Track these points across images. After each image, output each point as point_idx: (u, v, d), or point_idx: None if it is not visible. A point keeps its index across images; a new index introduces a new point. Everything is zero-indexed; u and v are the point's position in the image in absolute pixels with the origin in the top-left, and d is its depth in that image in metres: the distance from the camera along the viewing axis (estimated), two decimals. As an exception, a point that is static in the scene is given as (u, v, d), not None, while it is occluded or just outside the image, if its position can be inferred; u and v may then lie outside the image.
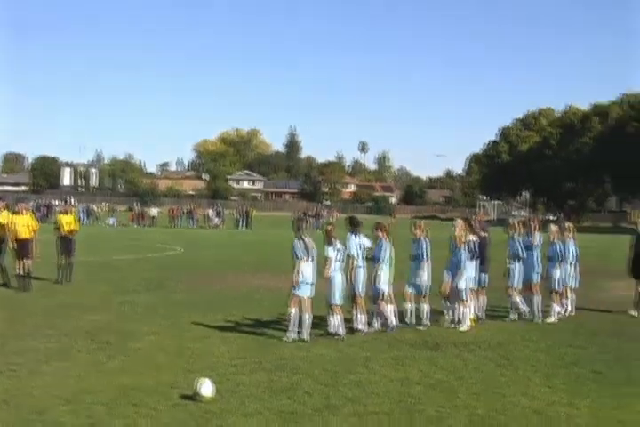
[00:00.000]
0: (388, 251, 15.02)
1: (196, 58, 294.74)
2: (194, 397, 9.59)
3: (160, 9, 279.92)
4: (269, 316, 16.13)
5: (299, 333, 13.84)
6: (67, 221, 22.66)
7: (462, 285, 15.45)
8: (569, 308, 17.59)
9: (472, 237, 16.12)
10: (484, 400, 9.98)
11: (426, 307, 15.40)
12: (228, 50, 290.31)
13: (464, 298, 15.46)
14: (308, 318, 13.84)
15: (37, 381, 10.56)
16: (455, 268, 15.48)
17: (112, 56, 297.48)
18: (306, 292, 13.90)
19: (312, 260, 14.00)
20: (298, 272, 13.84)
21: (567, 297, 17.53)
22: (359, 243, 14.77)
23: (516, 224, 16.99)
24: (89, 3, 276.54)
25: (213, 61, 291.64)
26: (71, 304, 17.60)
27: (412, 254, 15.56)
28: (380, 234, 15.11)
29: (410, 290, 15.49)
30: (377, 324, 15.09)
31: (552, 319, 16.60)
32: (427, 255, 15.40)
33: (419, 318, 15.41)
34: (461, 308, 15.46)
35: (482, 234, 16.69)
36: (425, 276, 15.41)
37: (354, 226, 14.96)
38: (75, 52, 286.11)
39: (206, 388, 9.62)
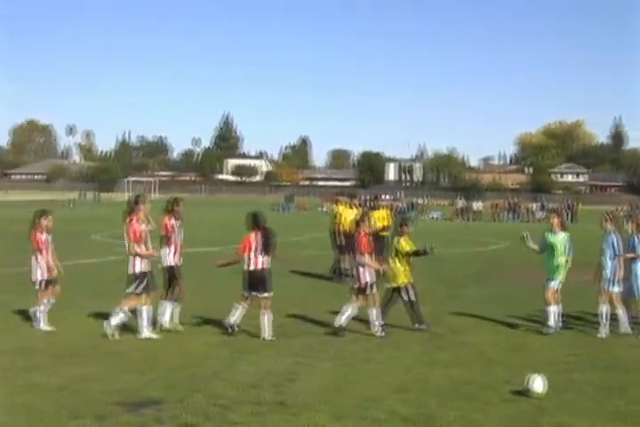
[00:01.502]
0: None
1: (517, 50, 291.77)
2: (525, 393, 9.46)
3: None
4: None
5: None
6: (377, 217, 20.94)
7: None
8: None
9: None
10: None
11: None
12: (545, 44, 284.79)
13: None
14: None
15: (369, 369, 10.87)
16: None
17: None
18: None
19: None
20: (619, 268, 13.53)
21: None
22: None
23: None
24: None
25: (533, 54, 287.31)
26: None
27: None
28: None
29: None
30: None
31: None
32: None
33: None
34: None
35: None
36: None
37: None
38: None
39: (538, 384, 9.45)
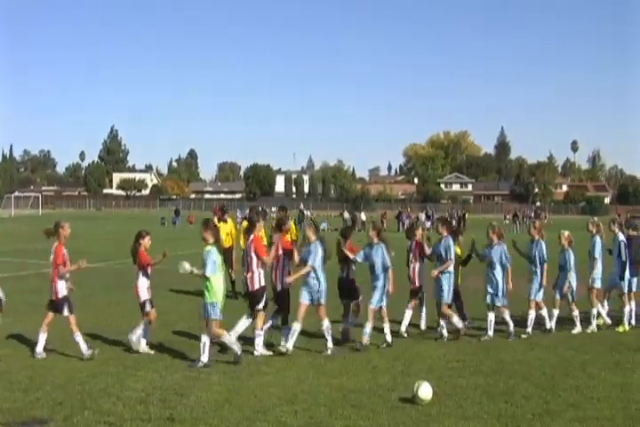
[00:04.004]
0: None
1: (406, 63, 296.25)
2: (412, 399, 9.64)
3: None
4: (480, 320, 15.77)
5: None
6: (225, 232, 20.18)
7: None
8: None
9: (620, 237, 15.68)
10: None
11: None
12: (433, 55, 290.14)
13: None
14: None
15: (259, 381, 10.87)
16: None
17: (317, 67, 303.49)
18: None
19: None
20: None
21: None
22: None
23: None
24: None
25: (420, 66, 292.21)
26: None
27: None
28: (493, 237, 14.58)
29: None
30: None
31: None
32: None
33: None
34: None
35: (631, 233, 15.94)
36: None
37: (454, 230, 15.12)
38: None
39: (424, 390, 9.64)
